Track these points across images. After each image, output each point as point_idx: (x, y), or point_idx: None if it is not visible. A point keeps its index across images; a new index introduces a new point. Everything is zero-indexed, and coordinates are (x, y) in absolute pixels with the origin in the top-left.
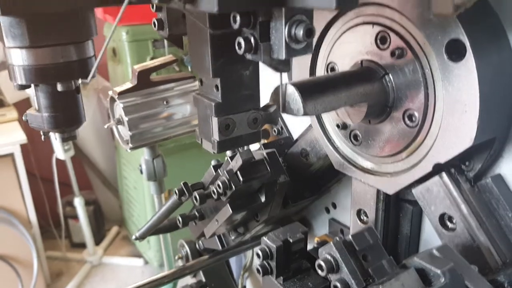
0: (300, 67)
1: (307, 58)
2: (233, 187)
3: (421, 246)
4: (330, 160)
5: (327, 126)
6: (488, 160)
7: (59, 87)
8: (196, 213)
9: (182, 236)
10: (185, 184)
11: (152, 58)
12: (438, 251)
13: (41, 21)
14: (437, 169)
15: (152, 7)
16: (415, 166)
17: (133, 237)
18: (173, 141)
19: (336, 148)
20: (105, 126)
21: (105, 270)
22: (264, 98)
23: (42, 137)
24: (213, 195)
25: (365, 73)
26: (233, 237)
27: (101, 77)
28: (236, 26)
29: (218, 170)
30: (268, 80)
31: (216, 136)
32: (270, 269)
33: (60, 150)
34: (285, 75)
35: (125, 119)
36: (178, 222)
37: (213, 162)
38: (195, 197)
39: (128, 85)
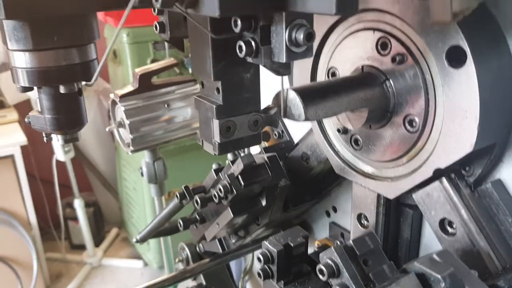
0: (301, 72)
1: (308, 63)
2: (234, 191)
3: (421, 250)
4: (331, 164)
5: (327, 131)
6: (488, 165)
7: (62, 90)
8: (197, 217)
9: (183, 238)
10: (186, 187)
11: (152, 60)
12: (439, 256)
13: (45, 24)
14: (438, 174)
15: (154, 10)
16: (415, 171)
17: (134, 239)
18: (173, 143)
19: (336, 152)
20: (107, 129)
21: (105, 271)
22: (264, 101)
23: (45, 138)
24: (214, 199)
25: (366, 78)
26: (233, 240)
27: (101, 79)
28: (237, 30)
29: (219, 173)
30: (269, 82)
31: (217, 138)
32: (271, 273)
33: (60, 152)
34: (285, 79)
35: (127, 122)
36: (179, 225)
37: (214, 166)
38: (196, 201)
39: (129, 88)
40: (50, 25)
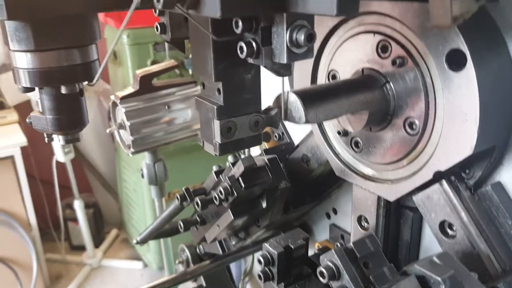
0: (302, 74)
1: (309, 65)
2: (235, 193)
3: (421, 252)
4: (331, 166)
5: (328, 133)
6: (488, 168)
7: (63, 90)
8: (198, 218)
9: (183, 239)
10: (187, 189)
11: (152, 61)
12: (439, 258)
13: (46, 25)
14: (438, 177)
15: (155, 11)
16: (415, 173)
17: (134, 241)
18: (173, 144)
19: (337, 155)
20: (107, 131)
21: (105, 272)
22: (265, 102)
23: (46, 139)
24: (215, 201)
25: (366, 81)
26: (234, 242)
27: (101, 80)
28: (238, 31)
29: (220, 175)
30: (269, 83)
31: (218, 139)
32: (272, 275)
33: (60, 153)
34: (286, 81)
35: (127, 123)
36: (179, 227)
37: (214, 168)
38: (197, 203)
39: (130, 90)
40: (51, 25)
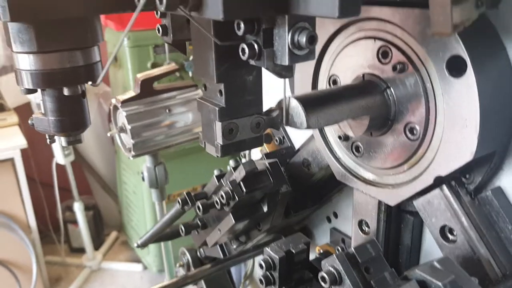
0: (303, 79)
1: (310, 70)
2: (236, 197)
3: (422, 256)
4: (332, 171)
5: (329, 137)
6: (488, 173)
7: (66, 92)
8: (199, 222)
9: (183, 242)
10: (188, 193)
11: (153, 64)
12: (439, 263)
13: (49, 27)
14: (438, 182)
15: (156, 13)
16: (416, 178)
17: (135, 244)
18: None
19: (338, 159)
20: (108, 134)
21: (104, 275)
22: (266, 103)
23: (48, 140)
24: (216, 205)
25: (367, 86)
26: (234, 246)
27: (101, 82)
28: (240, 33)
29: (221, 180)
30: (271, 84)
31: (219, 140)
32: (273, 279)
33: (60, 155)
34: (287, 86)
35: (128, 127)
36: (180, 231)
37: (216, 172)
38: (198, 207)
39: (131, 93)
40: (54, 27)
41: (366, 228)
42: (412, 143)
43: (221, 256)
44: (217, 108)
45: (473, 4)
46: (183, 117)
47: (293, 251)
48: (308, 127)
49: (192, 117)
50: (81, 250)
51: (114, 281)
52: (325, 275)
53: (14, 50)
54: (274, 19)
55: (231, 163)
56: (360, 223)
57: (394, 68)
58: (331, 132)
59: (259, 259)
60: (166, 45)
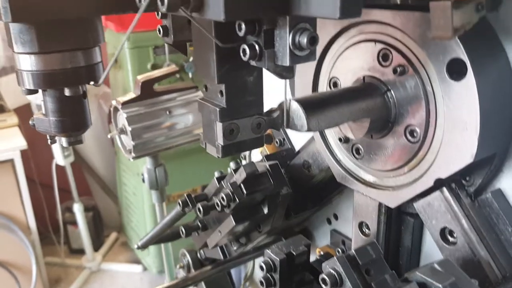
0: (303, 81)
1: (310, 73)
2: (237, 199)
3: (422, 258)
4: (332, 172)
5: (329, 139)
6: (488, 175)
7: (67, 92)
8: (199, 224)
9: (183, 243)
10: (189, 195)
11: (153, 65)
12: (440, 265)
13: (50, 27)
14: (438, 184)
15: (157, 14)
16: (416, 180)
17: (135, 246)
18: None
19: (338, 161)
20: (109, 136)
21: (104, 276)
22: (267, 104)
23: (49, 141)
24: (216, 207)
25: (367, 89)
26: (235, 248)
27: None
28: (241, 33)
29: (222, 182)
30: (271, 85)
31: (220, 141)
32: (274, 281)
33: (60, 156)
34: (288, 87)
35: (129, 129)
36: (181, 232)
37: (216, 174)
38: (199, 209)
39: (131, 95)
40: (55, 28)
41: (367, 230)
42: (412, 146)
43: (222, 257)
44: (218, 109)
45: (473, 8)
46: (184, 119)
47: (294, 253)
48: (309, 129)
49: (193, 119)
50: (80, 251)
51: (113, 282)
52: (325, 277)
53: (16, 50)
54: (275, 20)
55: (232, 165)
56: (361, 225)
57: (394, 71)
58: (332, 134)
59: (259, 260)
60: (166, 46)
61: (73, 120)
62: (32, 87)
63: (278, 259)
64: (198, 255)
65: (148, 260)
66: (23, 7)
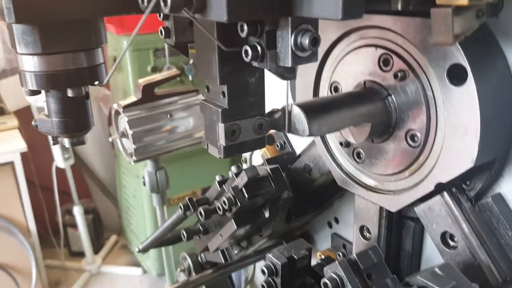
0: (304, 86)
1: (311, 77)
2: (239, 203)
3: (423, 262)
4: (333, 176)
5: (330, 144)
6: (488, 179)
7: (70, 93)
8: (200, 228)
9: (184, 246)
10: (190, 199)
11: (153, 67)
12: (440, 269)
13: (54, 28)
14: (439, 189)
15: (159, 15)
16: (417, 185)
17: (136, 249)
18: None
19: (339, 165)
20: (110, 139)
21: (104, 279)
22: (269, 105)
23: (52, 142)
24: (218, 211)
25: (368, 94)
26: (236, 251)
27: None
28: (243, 35)
29: (223, 185)
30: (273, 86)
31: (222, 142)
32: (275, 285)
33: (60, 159)
34: (288, 89)
35: (130, 132)
36: (182, 236)
37: (217, 178)
38: (200, 213)
39: (132, 98)
40: (59, 29)
41: (368, 234)
42: (413, 150)
43: (223, 261)
44: (220, 110)
45: (474, 14)
46: (184, 122)
47: (295, 257)
48: (310, 134)
49: (193, 122)
50: (80, 254)
51: (113, 285)
52: (327, 281)
53: (19, 51)
54: (277, 21)
55: (233, 169)
56: (362, 229)
57: (395, 76)
58: (332, 138)
59: (260, 264)
60: (166, 49)
61: (75, 121)
62: (35, 88)
63: (279, 263)
64: (199, 258)
65: (148, 263)
66: (26, 8)
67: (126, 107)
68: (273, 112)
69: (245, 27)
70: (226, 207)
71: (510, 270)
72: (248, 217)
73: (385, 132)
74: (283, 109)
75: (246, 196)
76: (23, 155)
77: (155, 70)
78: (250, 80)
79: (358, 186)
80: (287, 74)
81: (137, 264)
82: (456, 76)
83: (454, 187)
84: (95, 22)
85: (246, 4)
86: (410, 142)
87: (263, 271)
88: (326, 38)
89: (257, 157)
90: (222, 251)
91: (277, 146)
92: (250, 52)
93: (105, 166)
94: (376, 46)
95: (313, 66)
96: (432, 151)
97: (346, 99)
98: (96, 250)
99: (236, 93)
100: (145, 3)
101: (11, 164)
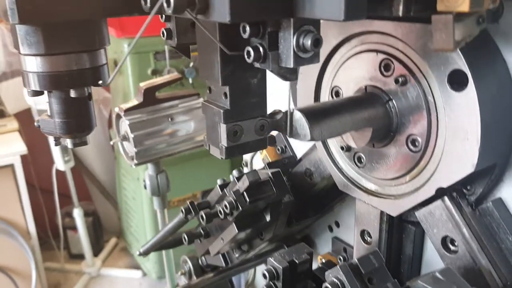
0: (305, 90)
1: (312, 81)
2: (240, 207)
3: (423, 266)
4: (334, 180)
5: (331, 148)
6: (489, 184)
7: (72, 94)
8: (202, 231)
9: (184, 249)
10: (192, 203)
11: (153, 70)
12: (441, 274)
13: (57, 29)
14: (440, 193)
15: (161, 17)
16: (418, 189)
17: (137, 253)
18: None
19: (340, 169)
20: (111, 143)
21: (103, 281)
22: (270, 106)
23: (54, 142)
24: (219, 215)
25: (369, 98)
26: (237, 255)
27: (101, 88)
28: (245, 36)
29: (224, 189)
30: (275, 87)
31: (224, 142)
32: None
33: (60, 161)
34: (289, 92)
35: (131, 135)
36: (184, 239)
37: (219, 182)
38: (202, 217)
39: (134, 102)
40: (62, 30)
41: (368, 238)
42: (414, 155)
43: (223, 264)
44: (221, 111)
45: (474, 20)
46: (185, 126)
47: (296, 261)
48: (312, 139)
49: (194, 126)
50: (80, 257)
51: (113, 287)
52: (328, 286)
53: (22, 52)
54: (279, 22)
55: (235, 173)
56: (362, 233)
57: (396, 81)
58: (334, 142)
59: (261, 268)
60: (166, 51)
61: (78, 121)
62: (38, 89)
63: (281, 267)
64: (200, 262)
65: (147, 266)
66: (30, 9)
67: (128, 111)
68: (274, 113)
69: (247, 28)
70: (227, 211)
71: (511, 275)
72: (249, 221)
73: (386, 136)
74: (284, 112)
75: (248, 200)
76: (23, 158)
77: (155, 73)
78: (252, 81)
79: (359, 191)
80: (289, 75)
81: (136, 266)
82: (457, 81)
83: (455, 192)
84: (98, 23)
85: (248, 5)
86: (411, 147)
87: (264, 275)
88: (327, 43)
89: (258, 161)
90: (223, 255)
91: (278, 150)
92: (252, 53)
93: (105, 169)
94: (377, 51)
95: (314, 71)
96: (433, 156)
97: (347, 104)
98: (95, 253)
99: (238, 94)
100: (148, 4)
101: (11, 166)
